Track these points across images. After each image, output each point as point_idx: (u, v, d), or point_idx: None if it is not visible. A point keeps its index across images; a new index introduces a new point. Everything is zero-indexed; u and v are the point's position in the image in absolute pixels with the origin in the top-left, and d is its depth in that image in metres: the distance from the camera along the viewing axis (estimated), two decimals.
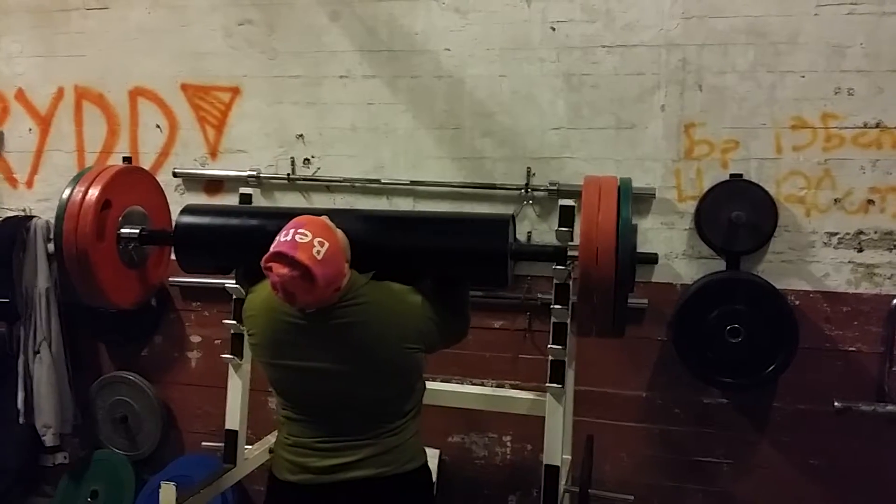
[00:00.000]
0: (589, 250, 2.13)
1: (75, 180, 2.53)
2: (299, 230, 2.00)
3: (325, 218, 2.13)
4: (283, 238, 2.00)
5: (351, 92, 3.71)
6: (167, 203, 2.94)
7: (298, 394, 2.25)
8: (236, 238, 2.47)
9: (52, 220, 3.98)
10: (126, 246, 2.59)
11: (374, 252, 2.24)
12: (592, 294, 2.14)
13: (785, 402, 3.42)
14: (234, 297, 3.01)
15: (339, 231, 2.12)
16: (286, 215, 2.15)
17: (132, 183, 2.68)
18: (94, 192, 2.46)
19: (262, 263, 1.99)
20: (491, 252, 2.29)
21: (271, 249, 1.99)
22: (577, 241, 2.24)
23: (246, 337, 2.34)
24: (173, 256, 2.72)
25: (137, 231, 2.59)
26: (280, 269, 1.95)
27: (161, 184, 3.93)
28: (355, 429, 2.20)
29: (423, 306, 2.20)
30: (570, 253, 2.31)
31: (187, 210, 2.55)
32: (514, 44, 3.50)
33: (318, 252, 1.97)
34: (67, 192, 2.49)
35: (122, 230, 2.57)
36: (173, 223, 2.64)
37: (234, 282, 2.72)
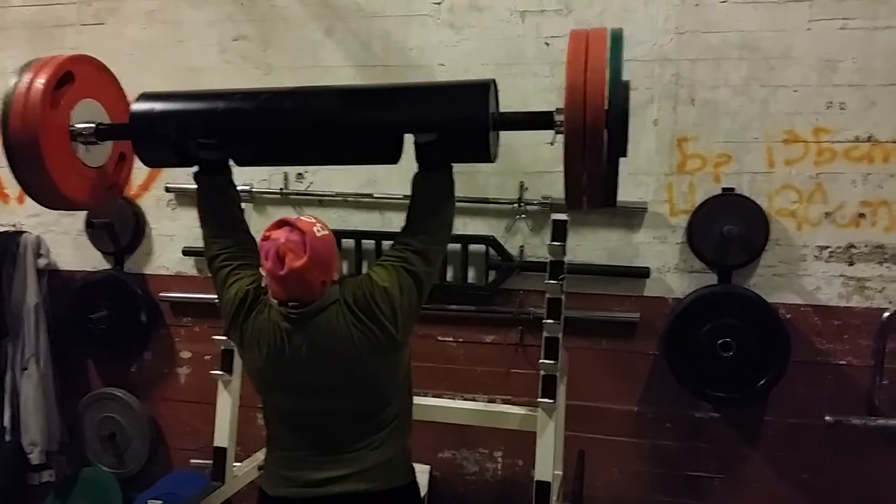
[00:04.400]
0: (575, 110, 1.90)
1: (23, 68, 2.26)
2: (304, 215, 2.13)
3: None
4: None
5: None
6: (125, 97, 2.58)
7: (287, 406, 2.23)
8: (199, 121, 2.27)
9: (43, 236, 4.02)
10: (82, 141, 2.33)
11: (344, 128, 2.16)
12: (582, 160, 1.94)
13: (776, 416, 3.42)
14: (222, 348, 2.99)
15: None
16: (249, 95, 2.15)
17: (84, 72, 2.40)
18: (41, 79, 2.21)
19: (262, 233, 2.05)
20: (471, 120, 2.09)
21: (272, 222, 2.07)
22: (566, 82, 1.98)
23: (237, 350, 2.30)
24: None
25: (93, 126, 2.33)
26: (279, 233, 2.02)
27: (153, 199, 3.98)
28: (343, 442, 2.19)
29: (391, 270, 2.14)
30: (557, 118, 2.05)
31: (144, 96, 2.33)
32: (508, 59, 3.52)
33: (318, 231, 2.06)
34: (14, 79, 2.21)
35: (77, 125, 2.31)
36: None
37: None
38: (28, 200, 4.03)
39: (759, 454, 3.46)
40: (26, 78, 2.20)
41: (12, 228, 4.14)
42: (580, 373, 3.37)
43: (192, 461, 3.73)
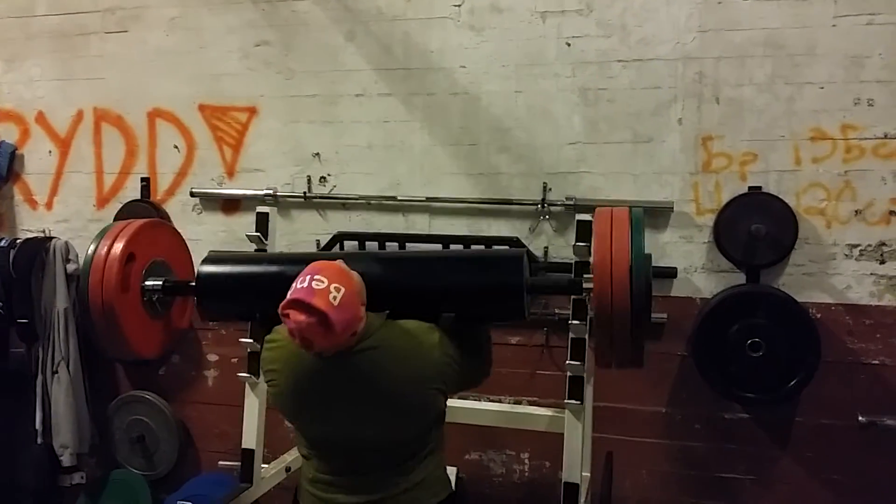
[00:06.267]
0: (603, 284, 2.13)
1: (100, 236, 2.58)
2: (315, 276, 2.01)
3: (340, 262, 2.14)
4: (299, 285, 2.01)
5: (367, 110, 3.73)
6: (189, 254, 2.97)
7: (321, 438, 2.27)
8: (257, 285, 2.50)
9: (71, 241, 4.07)
10: (150, 297, 2.63)
11: (390, 293, 2.26)
12: (610, 327, 2.15)
13: (808, 416, 3.37)
14: (248, 350, 3.01)
15: (354, 274, 2.13)
16: (304, 261, 2.18)
17: (155, 236, 2.74)
18: (118, 247, 2.52)
19: (280, 311, 2.01)
20: (507, 288, 2.31)
21: (288, 297, 2.00)
22: (593, 258, 2.25)
23: (266, 388, 2.38)
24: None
25: (161, 282, 2.63)
26: (297, 316, 1.97)
27: (179, 204, 4.02)
28: (379, 467, 2.21)
29: (440, 345, 2.18)
30: (585, 286, 2.32)
31: (208, 259, 2.58)
32: (529, 60, 3.51)
33: (335, 298, 1.98)
34: (93, 247, 2.54)
35: (147, 282, 2.62)
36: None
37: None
38: (56, 206, 4.21)
39: (790, 455, 3.42)
40: (98, 266, 2.49)
41: (41, 234, 4.19)
42: (607, 374, 3.32)
43: (221, 463, 3.75)
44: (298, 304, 1.97)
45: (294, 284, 2.02)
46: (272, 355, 2.28)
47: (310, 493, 2.30)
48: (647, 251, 2.25)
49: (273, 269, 2.52)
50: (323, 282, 2.00)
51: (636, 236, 2.19)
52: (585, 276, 2.32)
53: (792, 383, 3.22)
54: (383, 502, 2.20)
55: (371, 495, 2.20)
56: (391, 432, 2.18)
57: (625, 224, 2.23)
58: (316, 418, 2.22)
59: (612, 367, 2.33)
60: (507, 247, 3.51)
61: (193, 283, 2.59)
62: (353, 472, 2.23)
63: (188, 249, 2.96)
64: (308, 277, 2.01)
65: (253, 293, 2.50)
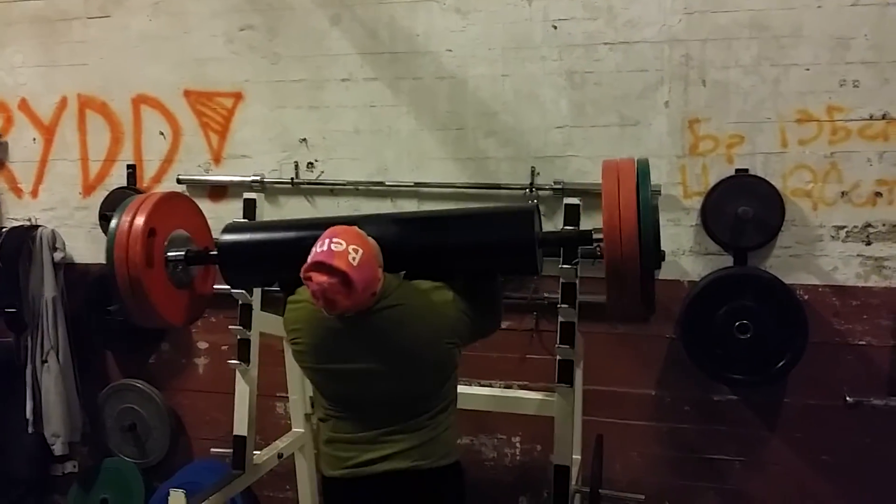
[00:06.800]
0: (613, 237, 2.16)
1: (121, 210, 2.59)
2: (334, 239, 2.12)
3: (355, 228, 2.23)
4: (319, 248, 2.11)
5: (353, 95, 3.71)
6: (207, 223, 2.96)
7: (340, 394, 2.35)
8: (279, 251, 2.55)
9: (58, 230, 4.05)
10: (174, 269, 2.66)
11: (405, 253, 2.32)
12: (620, 278, 2.18)
13: (796, 397, 3.40)
14: (240, 302, 3.02)
15: (370, 239, 2.21)
16: (320, 225, 2.26)
17: (172, 208, 2.74)
18: (139, 221, 2.53)
19: (302, 274, 2.10)
20: (519, 242, 2.35)
21: (309, 260, 2.10)
22: (603, 208, 2.26)
23: (289, 347, 2.46)
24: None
25: (183, 253, 2.66)
26: (319, 278, 2.06)
27: (165, 191, 3.99)
28: (392, 422, 2.28)
29: (454, 301, 2.28)
30: (596, 236, 2.35)
31: (228, 228, 2.64)
32: (515, 43, 3.49)
33: (354, 258, 2.09)
34: (115, 221, 2.56)
35: (169, 254, 2.64)
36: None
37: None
38: (42, 194, 4.18)
39: (779, 436, 3.44)
40: (121, 244, 2.50)
41: (28, 223, 4.16)
42: (596, 358, 3.36)
43: (213, 450, 3.74)
44: (320, 266, 2.07)
45: (314, 248, 2.12)
46: (295, 315, 2.37)
47: (328, 454, 2.38)
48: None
49: (292, 234, 2.57)
50: (341, 244, 2.11)
51: (643, 186, 2.21)
52: (595, 227, 2.34)
53: (780, 364, 3.24)
54: (393, 457, 2.27)
55: (384, 451, 2.27)
56: (408, 387, 2.26)
57: (631, 174, 2.25)
58: (336, 375, 2.30)
59: (624, 317, 2.39)
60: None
61: (215, 252, 2.64)
62: (368, 429, 2.30)
63: (205, 218, 2.94)
64: (327, 241, 2.12)
65: (276, 259, 2.54)
